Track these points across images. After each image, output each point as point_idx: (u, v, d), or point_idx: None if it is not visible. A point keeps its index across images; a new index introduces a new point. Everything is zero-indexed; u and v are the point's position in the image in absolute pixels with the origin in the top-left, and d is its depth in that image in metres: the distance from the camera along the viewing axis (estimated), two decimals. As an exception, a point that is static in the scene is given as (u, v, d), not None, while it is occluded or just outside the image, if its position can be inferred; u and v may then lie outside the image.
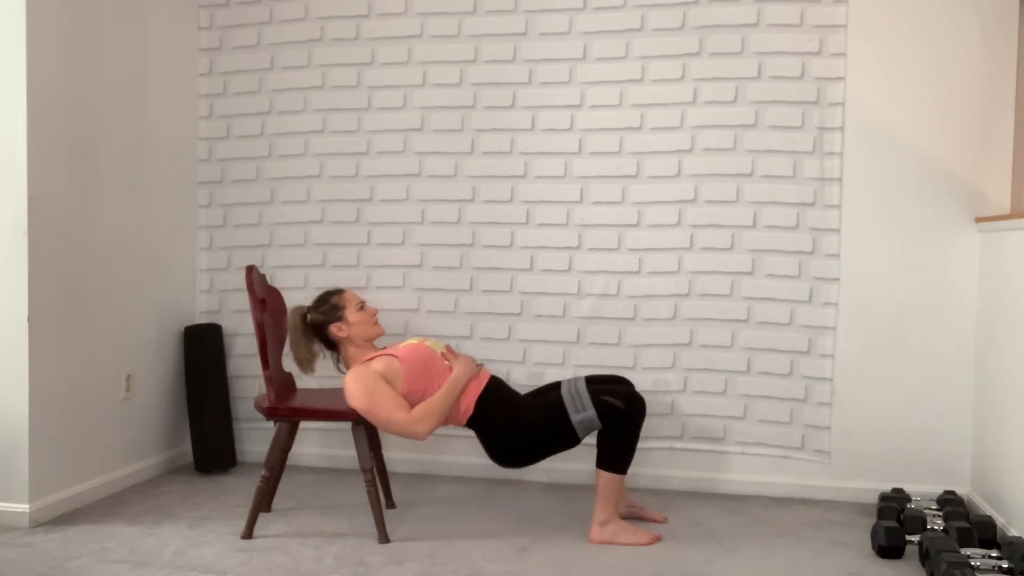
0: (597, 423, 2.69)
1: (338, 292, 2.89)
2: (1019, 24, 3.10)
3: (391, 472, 3.39)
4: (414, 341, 2.86)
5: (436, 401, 2.68)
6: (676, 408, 3.38)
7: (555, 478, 3.46)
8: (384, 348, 2.86)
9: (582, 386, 2.76)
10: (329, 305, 2.85)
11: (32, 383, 2.83)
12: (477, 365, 2.83)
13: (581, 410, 2.69)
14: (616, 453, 2.72)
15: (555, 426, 2.71)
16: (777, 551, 2.71)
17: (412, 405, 2.68)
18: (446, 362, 2.79)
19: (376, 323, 2.89)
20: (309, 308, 2.87)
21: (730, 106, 3.29)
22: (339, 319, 2.82)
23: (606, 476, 2.73)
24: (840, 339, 3.25)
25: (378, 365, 2.71)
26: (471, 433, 3.30)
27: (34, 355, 2.83)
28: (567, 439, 2.73)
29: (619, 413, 2.68)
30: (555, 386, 2.91)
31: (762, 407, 3.33)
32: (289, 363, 3.05)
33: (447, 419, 2.73)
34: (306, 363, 2.85)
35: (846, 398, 3.25)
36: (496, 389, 2.81)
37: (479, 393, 2.75)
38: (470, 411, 2.74)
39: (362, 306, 2.87)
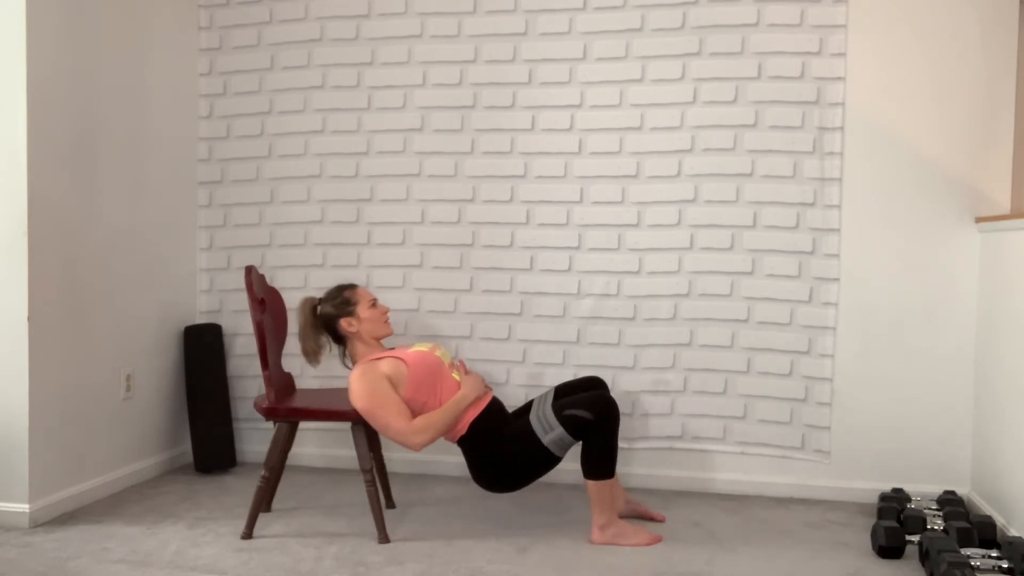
0: (569, 439, 2.65)
1: (351, 287, 2.87)
2: (1019, 24, 3.10)
3: (391, 472, 3.39)
4: (424, 348, 2.82)
5: (438, 416, 2.66)
6: (676, 408, 3.38)
7: (555, 478, 3.45)
8: (393, 349, 2.84)
9: (548, 405, 2.73)
10: (341, 299, 2.82)
11: (32, 383, 2.83)
12: (486, 387, 2.81)
13: (549, 430, 2.65)
14: (596, 461, 2.68)
15: (530, 451, 2.68)
16: (777, 551, 2.71)
17: (411, 412, 2.67)
18: (454, 375, 2.78)
19: (387, 322, 2.88)
20: (320, 300, 2.86)
21: (730, 106, 3.29)
22: (350, 314, 2.80)
23: (593, 484, 2.70)
24: (840, 339, 3.25)
25: (385, 367, 2.70)
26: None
27: (34, 355, 2.83)
28: (547, 460, 2.70)
29: (587, 423, 2.64)
30: (527, 408, 2.86)
31: (762, 407, 3.32)
32: (289, 363, 3.05)
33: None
34: (312, 355, 2.82)
35: (846, 398, 3.25)
36: (491, 414, 2.77)
37: (476, 414, 2.73)
38: (463, 430, 2.73)
39: (374, 303, 2.85)
